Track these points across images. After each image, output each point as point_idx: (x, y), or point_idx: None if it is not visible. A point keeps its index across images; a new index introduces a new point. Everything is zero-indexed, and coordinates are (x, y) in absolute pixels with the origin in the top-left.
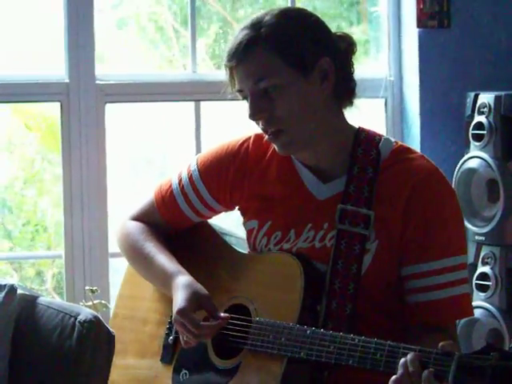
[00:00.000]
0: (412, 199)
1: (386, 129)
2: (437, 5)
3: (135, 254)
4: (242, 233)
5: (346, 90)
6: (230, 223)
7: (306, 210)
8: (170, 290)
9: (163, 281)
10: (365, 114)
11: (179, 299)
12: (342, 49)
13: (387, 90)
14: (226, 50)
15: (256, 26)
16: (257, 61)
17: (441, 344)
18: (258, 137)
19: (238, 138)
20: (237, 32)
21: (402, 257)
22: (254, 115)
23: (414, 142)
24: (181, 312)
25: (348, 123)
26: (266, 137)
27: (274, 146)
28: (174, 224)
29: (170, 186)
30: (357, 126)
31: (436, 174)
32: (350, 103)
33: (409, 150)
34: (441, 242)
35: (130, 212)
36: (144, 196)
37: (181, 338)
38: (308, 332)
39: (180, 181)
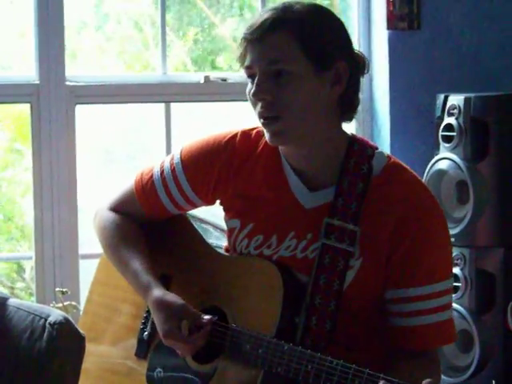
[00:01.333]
0: (402, 223)
1: (356, 130)
2: (407, 7)
3: (109, 252)
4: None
5: (350, 102)
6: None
7: (290, 216)
8: (145, 300)
9: (136, 289)
10: None
11: (159, 322)
12: (358, 64)
13: None
14: (248, 24)
15: (285, 9)
16: (278, 42)
17: (423, 382)
18: (244, 134)
19: (225, 132)
20: (262, 12)
21: (387, 279)
22: (258, 94)
23: (384, 143)
24: (166, 336)
25: (343, 132)
26: (261, 120)
27: (266, 135)
28: (152, 215)
29: (151, 177)
30: (349, 133)
31: (427, 199)
32: (350, 118)
33: (401, 169)
34: (429, 268)
35: (109, 199)
36: (124, 183)
37: (177, 350)
38: (285, 348)
39: (162, 172)
